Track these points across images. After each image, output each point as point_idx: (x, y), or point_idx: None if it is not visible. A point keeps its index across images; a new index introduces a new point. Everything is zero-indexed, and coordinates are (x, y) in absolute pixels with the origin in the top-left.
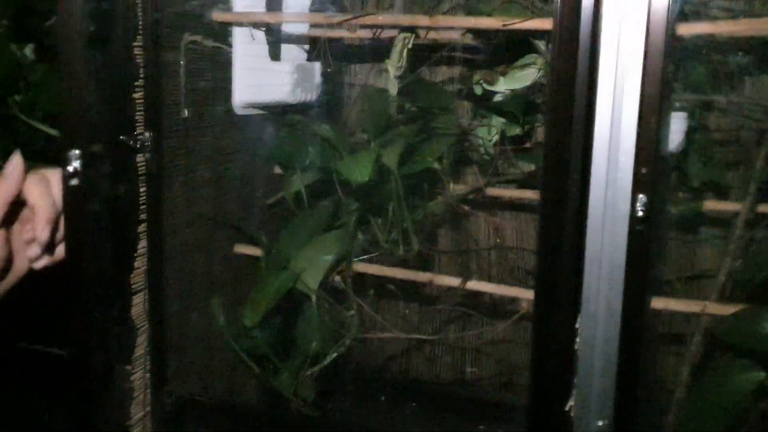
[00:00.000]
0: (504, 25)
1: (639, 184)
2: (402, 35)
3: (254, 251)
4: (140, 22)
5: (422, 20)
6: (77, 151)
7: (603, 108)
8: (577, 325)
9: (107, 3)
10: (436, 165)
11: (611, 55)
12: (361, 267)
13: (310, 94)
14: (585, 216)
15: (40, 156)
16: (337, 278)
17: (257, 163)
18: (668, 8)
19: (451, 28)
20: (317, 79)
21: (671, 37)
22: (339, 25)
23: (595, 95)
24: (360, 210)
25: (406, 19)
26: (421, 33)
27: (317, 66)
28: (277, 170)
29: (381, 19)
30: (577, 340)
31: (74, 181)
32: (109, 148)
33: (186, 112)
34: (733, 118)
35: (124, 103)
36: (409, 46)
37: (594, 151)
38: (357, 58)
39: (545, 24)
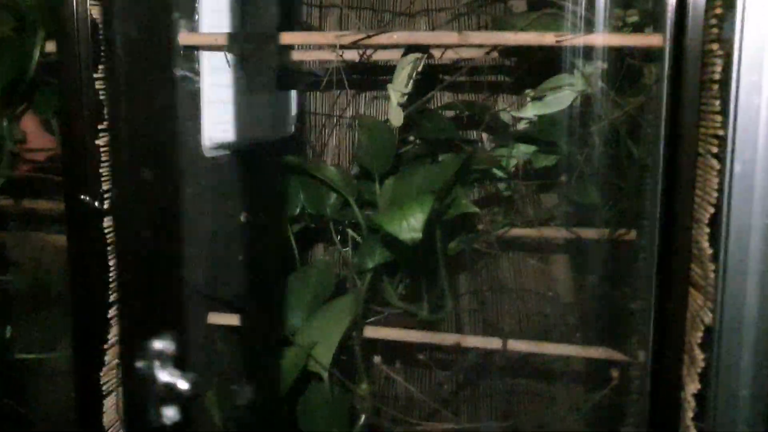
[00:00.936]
0: (557, 42)
1: None
2: (411, 56)
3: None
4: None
5: (448, 38)
6: None
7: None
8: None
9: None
10: (474, 209)
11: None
12: (370, 332)
13: (288, 127)
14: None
15: None
16: (377, 359)
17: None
18: None
19: (482, 47)
20: (295, 110)
21: None
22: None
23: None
24: (374, 270)
25: (428, 38)
26: (436, 53)
27: (294, 95)
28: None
29: (396, 37)
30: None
31: None
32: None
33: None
34: None
35: (81, 152)
36: (419, 68)
37: (732, 197)
38: (348, 84)
39: (649, 40)
